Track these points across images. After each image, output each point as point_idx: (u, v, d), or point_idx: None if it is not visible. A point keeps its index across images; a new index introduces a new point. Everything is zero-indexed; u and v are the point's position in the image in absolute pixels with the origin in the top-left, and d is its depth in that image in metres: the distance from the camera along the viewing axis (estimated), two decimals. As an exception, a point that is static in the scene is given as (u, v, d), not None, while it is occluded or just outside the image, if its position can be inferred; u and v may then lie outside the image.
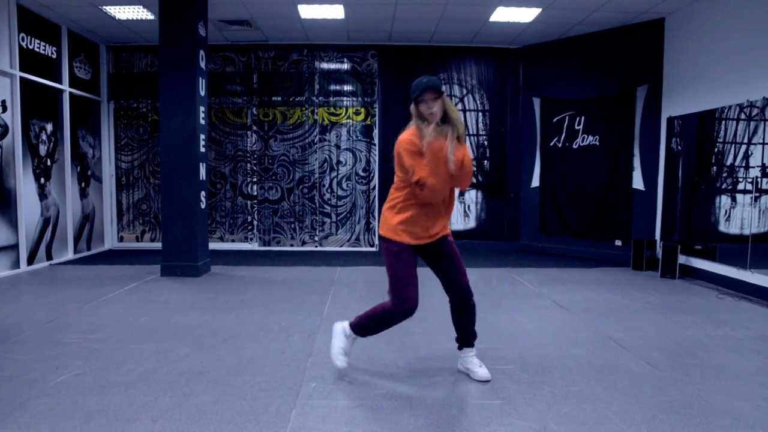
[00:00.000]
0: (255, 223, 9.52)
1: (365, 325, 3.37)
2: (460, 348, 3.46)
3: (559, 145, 8.73)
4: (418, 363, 3.66)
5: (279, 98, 9.40)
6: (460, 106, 9.35)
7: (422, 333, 4.36)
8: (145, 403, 2.96)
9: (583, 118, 8.44)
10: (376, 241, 9.42)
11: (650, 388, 3.22)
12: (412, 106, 3.15)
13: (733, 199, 6.37)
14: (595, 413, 2.86)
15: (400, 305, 3.20)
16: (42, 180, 7.69)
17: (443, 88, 3.13)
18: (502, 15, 7.57)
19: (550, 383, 3.28)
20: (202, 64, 6.90)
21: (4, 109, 6.86)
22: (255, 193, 9.50)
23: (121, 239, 9.65)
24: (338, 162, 9.44)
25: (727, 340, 4.22)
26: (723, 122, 6.44)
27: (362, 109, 9.42)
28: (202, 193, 6.95)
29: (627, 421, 2.77)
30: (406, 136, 3.12)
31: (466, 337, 3.43)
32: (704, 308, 5.33)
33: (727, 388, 3.21)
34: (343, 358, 3.35)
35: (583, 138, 8.44)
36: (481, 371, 3.34)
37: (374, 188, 9.43)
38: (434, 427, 2.70)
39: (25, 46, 7.21)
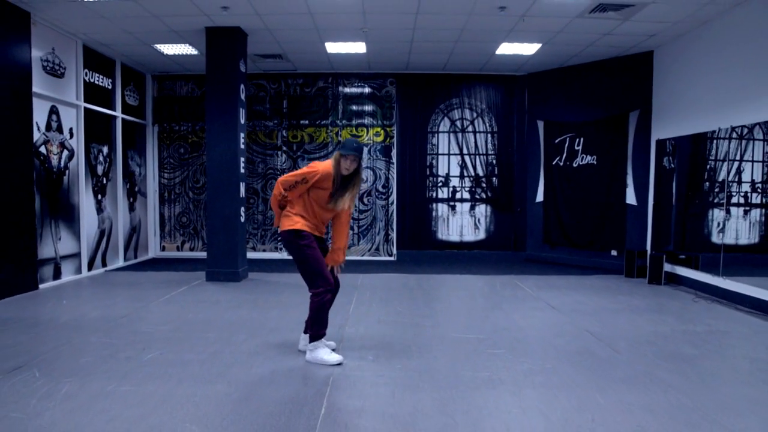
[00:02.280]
0: (284, 234, 10.48)
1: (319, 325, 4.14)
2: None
3: (561, 164, 9.60)
4: (426, 348, 4.55)
5: (306, 121, 10.40)
6: (471, 128, 10.27)
7: (431, 327, 5.26)
8: (219, 372, 3.90)
9: (582, 139, 9.31)
10: (395, 251, 10.34)
11: (609, 366, 4.09)
12: (337, 154, 4.10)
13: (727, 212, 7.04)
14: (560, 382, 3.74)
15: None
16: (99, 196, 8.75)
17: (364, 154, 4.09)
18: (506, 49, 8.49)
19: (530, 362, 4.17)
20: (242, 96, 7.91)
21: (72, 136, 7.93)
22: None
23: (163, 248, 10.69)
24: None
25: (687, 334, 5.06)
26: (714, 141, 7.20)
27: (381, 131, 10.37)
28: (242, 208, 7.93)
29: (583, 387, 3.65)
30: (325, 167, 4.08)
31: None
32: (678, 309, 6.16)
33: (669, 367, 4.07)
34: (336, 356, 4.13)
35: (582, 157, 9.30)
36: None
37: (392, 203, 10.36)
38: (437, 389, 3.60)
39: (87, 80, 8.28)
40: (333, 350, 4.30)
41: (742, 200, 6.86)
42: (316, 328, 4.13)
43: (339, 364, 4.06)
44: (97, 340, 4.71)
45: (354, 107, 10.38)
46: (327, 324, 4.19)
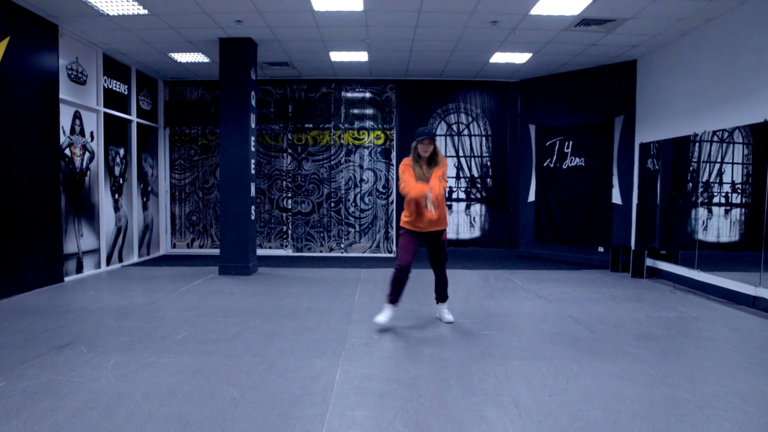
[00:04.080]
0: (289, 232, 11.05)
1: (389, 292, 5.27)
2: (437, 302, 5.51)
3: (552, 166, 10.17)
4: (425, 329, 5.11)
5: (310, 125, 10.97)
6: (466, 131, 10.85)
7: (429, 313, 5.81)
8: (244, 348, 4.46)
9: (571, 142, 9.89)
10: (394, 248, 10.90)
11: (585, 343, 4.66)
12: (414, 144, 5.01)
13: (709, 212, 7.53)
14: (542, 356, 4.31)
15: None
16: (116, 196, 9.30)
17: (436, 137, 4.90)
18: (499, 58, 9.06)
19: (516, 341, 4.73)
20: (253, 102, 8.47)
21: (92, 139, 8.47)
22: (289, 207, 11.05)
23: (174, 246, 11.23)
24: (361, 180, 10.96)
25: (659, 319, 5.63)
26: (696, 144, 7.69)
27: (382, 134, 10.94)
28: (252, 207, 8.48)
29: (561, 359, 4.21)
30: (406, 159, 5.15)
31: (439, 296, 5.46)
32: (655, 299, 6.73)
33: (638, 345, 4.64)
34: (383, 317, 5.20)
35: (571, 160, 9.88)
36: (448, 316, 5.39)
37: (392, 203, 10.92)
38: (435, 360, 4.16)
39: (106, 87, 8.83)
40: (448, 320, 5.41)
41: (723, 200, 7.38)
42: (387, 294, 5.27)
43: (378, 322, 5.16)
44: (129, 324, 5.26)
45: (356, 111, 10.94)
46: (394, 294, 5.22)
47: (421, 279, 8.02)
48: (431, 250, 5.26)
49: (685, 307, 6.25)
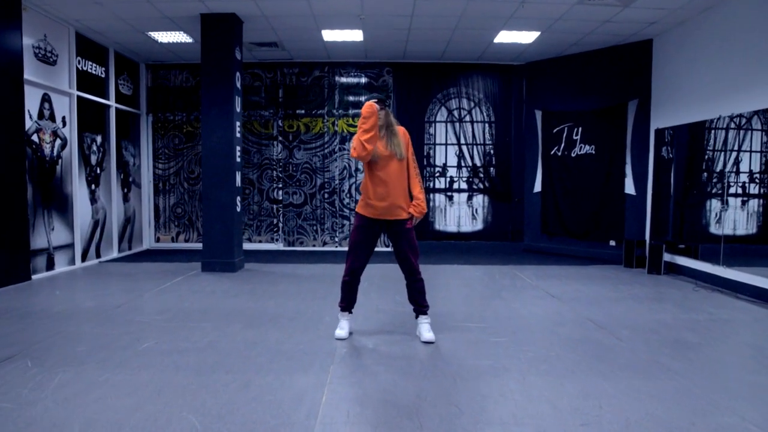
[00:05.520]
0: (280, 225, 10.41)
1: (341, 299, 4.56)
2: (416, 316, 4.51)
3: (559, 154, 9.52)
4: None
5: (302, 111, 10.29)
6: (468, 117, 10.19)
7: (430, 315, 5.18)
8: (216, 361, 3.82)
9: (580, 129, 9.24)
10: (389, 241, 10.24)
11: (613, 353, 4.04)
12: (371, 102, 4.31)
13: (725, 203, 6.98)
14: (565, 370, 3.68)
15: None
16: (93, 186, 8.63)
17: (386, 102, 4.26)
18: (505, 37, 8.39)
19: (533, 350, 4.10)
20: (238, 84, 7.80)
21: (64, 124, 7.80)
22: (280, 198, 10.39)
23: (157, 240, 10.58)
24: (356, 169, 10.30)
25: (689, 322, 5.01)
26: (712, 131, 7.12)
27: (378, 121, 10.25)
28: (238, 198, 7.83)
29: (588, 374, 3.59)
30: None
31: (416, 307, 4.47)
32: (679, 298, 6.11)
33: (673, 355, 4.02)
34: (341, 332, 4.45)
35: (581, 147, 9.23)
36: (427, 334, 4.33)
37: (389, 193, 10.25)
38: (440, 377, 3.53)
39: (80, 68, 8.15)
40: (427, 339, 4.32)
41: (740, 190, 6.82)
42: (338, 301, 4.56)
43: (338, 338, 4.40)
44: (91, 330, 4.62)
45: (350, 98, 10.28)
46: (346, 300, 4.51)
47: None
48: (393, 243, 4.40)
49: (713, 307, 5.63)
